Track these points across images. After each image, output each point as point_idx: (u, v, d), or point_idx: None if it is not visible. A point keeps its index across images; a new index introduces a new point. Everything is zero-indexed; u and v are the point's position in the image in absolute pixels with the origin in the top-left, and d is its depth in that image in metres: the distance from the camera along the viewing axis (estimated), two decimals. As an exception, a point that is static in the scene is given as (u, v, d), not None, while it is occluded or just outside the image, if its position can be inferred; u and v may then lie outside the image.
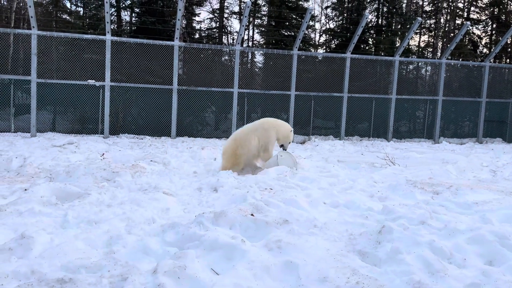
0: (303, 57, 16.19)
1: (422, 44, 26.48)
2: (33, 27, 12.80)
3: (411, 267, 3.07)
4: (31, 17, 12.71)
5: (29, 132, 13.21)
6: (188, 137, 14.68)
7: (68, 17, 21.42)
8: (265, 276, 3.18)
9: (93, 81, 13.62)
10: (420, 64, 19.94)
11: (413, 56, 23.46)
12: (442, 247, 3.54)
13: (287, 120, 15.73)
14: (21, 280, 2.85)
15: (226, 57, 17.38)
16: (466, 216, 4.79)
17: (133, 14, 19.86)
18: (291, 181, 6.64)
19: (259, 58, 20.59)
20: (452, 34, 24.21)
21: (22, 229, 3.93)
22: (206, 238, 3.62)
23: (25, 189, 5.57)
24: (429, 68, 19.83)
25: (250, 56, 20.28)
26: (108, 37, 13.45)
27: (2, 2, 23.04)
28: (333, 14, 25.89)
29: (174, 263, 3.05)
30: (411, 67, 20.25)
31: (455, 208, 5.23)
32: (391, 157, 9.82)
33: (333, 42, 23.65)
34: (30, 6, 12.55)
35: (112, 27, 16.00)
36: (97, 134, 13.97)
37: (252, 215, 4.62)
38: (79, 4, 21.94)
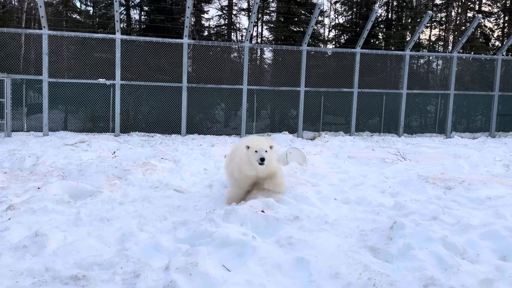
0: (313, 52, 16.11)
1: (433, 38, 26.19)
2: (44, 27, 12.93)
3: (423, 263, 3.05)
4: (42, 17, 12.83)
5: (41, 131, 13.37)
6: (198, 134, 14.73)
7: (78, 17, 21.59)
8: (276, 272, 3.18)
9: (104, 79, 13.72)
10: (431, 58, 19.72)
11: (424, 50, 23.20)
12: (455, 242, 3.51)
13: (296, 117, 15.69)
14: (36, 277, 2.89)
15: (235, 54, 17.38)
16: (479, 211, 4.74)
17: (142, 13, 19.94)
18: (301, 178, 6.62)
19: (268, 54, 20.54)
20: (463, 27, 23.89)
21: (36, 227, 3.98)
22: (217, 235, 3.63)
23: (38, 188, 5.65)
24: (440, 62, 19.60)
25: (259, 52, 20.24)
26: (118, 36, 13.53)
27: (13, 2, 23.30)
28: (342, 9, 25.71)
29: (186, 260, 3.07)
30: (422, 61, 20.04)
31: (468, 203, 5.17)
32: (402, 152, 9.74)
33: (342, 37, 23.48)
34: (40, 6, 12.67)
35: (121, 26, 16.07)
36: (108, 132, 14.09)
37: (262, 211, 4.62)
38: (88, 3, 22.10)
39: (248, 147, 4.94)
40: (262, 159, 4.73)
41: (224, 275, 3.00)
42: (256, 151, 4.84)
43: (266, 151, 4.84)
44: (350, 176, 7.13)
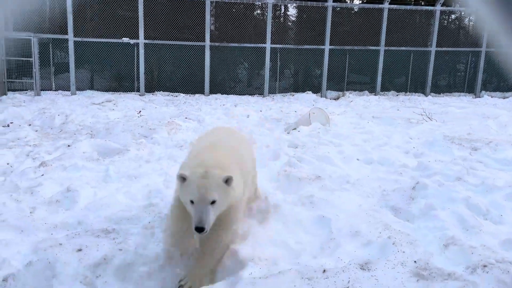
0: (338, 9, 15.56)
1: (467, -8, 24.81)
2: (67, -15, 12.88)
3: (444, 223, 3.07)
4: (64, -25, 12.76)
5: (69, 90, 13.64)
6: (221, 94, 14.73)
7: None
8: (297, 229, 3.26)
9: (127, 39, 13.73)
10: (463, 13, 18.78)
11: (456, 5, 22.07)
12: (478, 203, 3.50)
13: (320, 76, 15.42)
14: (69, 230, 3.06)
15: (258, 11, 16.96)
16: (505, 173, 4.66)
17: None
18: (324, 138, 6.61)
19: (292, 11, 19.96)
20: (500, -20, 22.42)
21: (68, 183, 4.16)
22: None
23: (68, 145, 5.85)
24: (472, 18, 18.66)
25: (282, 9, 19.70)
26: (140, -6, 13.38)
27: (36, -40, 23.12)
28: (371, -38, 24.47)
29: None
30: (453, 16, 19.10)
31: (494, 164, 5.08)
32: (428, 113, 9.53)
33: (370, -8, 22.49)
34: (62, -36, 12.58)
35: (143, -17, 15.84)
36: (133, 91, 14.24)
37: (285, 170, 4.68)
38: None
39: (183, 179, 2.47)
40: (200, 229, 2.34)
41: (247, 230, 3.09)
42: (192, 202, 2.42)
43: (213, 202, 2.41)
44: (374, 136, 7.07)
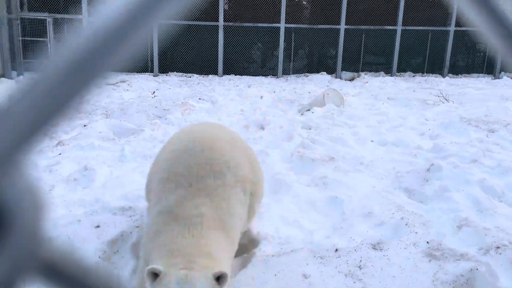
0: (354, -13, 15.24)
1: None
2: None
3: (459, 205, 3.06)
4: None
5: (83, 71, 13.77)
6: (235, 75, 14.68)
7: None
8: (310, 209, 3.29)
9: (141, 19, 13.71)
10: (484, -9, 18.20)
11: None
12: (493, 185, 3.47)
13: (335, 57, 15.23)
14: (87, 207, 3.14)
15: (273, -10, 16.70)
16: (523, 155, 4.60)
17: None
18: (338, 119, 6.58)
19: (307, -10, 19.62)
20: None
21: (84, 162, 4.24)
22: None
23: (84, 125, 5.93)
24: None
25: (297, -12, 19.37)
26: (153, -27, 13.28)
27: None
28: None
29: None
30: (474, -5, 18.53)
31: (511, 147, 5.01)
32: (445, 94, 9.37)
33: (387, -31, 21.92)
34: None
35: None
36: (147, 72, 14.29)
37: (298, 152, 4.69)
38: None
39: (154, 275, 1.70)
40: None
41: (259, 209, 3.13)
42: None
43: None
44: (389, 118, 7.01)
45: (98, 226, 2.70)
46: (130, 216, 2.88)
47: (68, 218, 2.81)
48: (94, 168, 3.93)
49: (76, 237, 2.57)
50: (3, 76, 10.22)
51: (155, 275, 1.66)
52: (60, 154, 4.55)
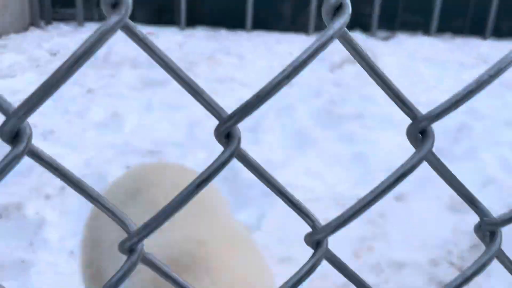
0: None
1: None
2: None
3: (486, 164, 3.01)
4: None
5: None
6: (264, 30, 14.40)
7: None
8: (334, 163, 3.30)
9: (171, -30, 13.47)
10: None
11: None
12: (525, 148, 3.37)
13: (370, 14, 14.63)
14: (117, 149, 3.25)
15: None
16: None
17: None
18: (370, 78, 6.43)
19: None
20: None
21: (113, 109, 4.35)
22: (280, 125, 3.77)
23: (113, 75, 6.03)
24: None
25: None
26: None
27: None
28: None
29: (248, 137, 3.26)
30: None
31: (549, 112, 4.81)
32: (486, 57, 8.96)
33: None
34: None
35: None
36: (174, 25, 14.20)
37: (326, 108, 4.65)
38: None
39: None
40: None
41: (285, 160, 3.16)
42: None
43: None
44: (424, 79, 6.83)
45: (128, 167, 2.80)
46: (159, 158, 2.97)
47: (99, 159, 2.92)
48: (123, 115, 4.03)
49: (108, 175, 2.67)
50: (32, 24, 10.36)
51: None
52: (90, 101, 4.67)
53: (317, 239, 0.49)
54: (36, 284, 2.04)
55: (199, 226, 1.23)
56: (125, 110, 4.31)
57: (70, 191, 2.52)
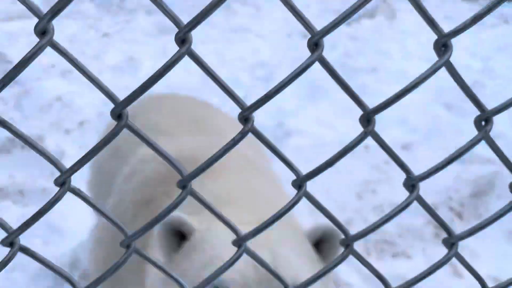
0: None
1: None
2: None
3: (495, 119, 3.02)
4: None
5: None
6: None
7: None
8: (345, 114, 3.34)
9: None
10: None
11: None
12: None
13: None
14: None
15: None
16: None
17: None
18: (387, 32, 6.32)
19: None
20: None
21: (129, 53, 4.40)
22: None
23: (127, 21, 6.01)
24: None
25: None
26: None
27: None
28: None
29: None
30: None
31: None
32: (507, 17, 8.67)
33: None
34: None
35: None
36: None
37: (340, 60, 4.64)
38: None
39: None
40: None
41: (296, 109, 3.22)
42: None
43: None
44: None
45: (143, 107, 2.89)
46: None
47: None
48: (139, 60, 4.08)
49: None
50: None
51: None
52: (106, 45, 4.70)
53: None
54: (56, 210, 2.20)
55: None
56: (141, 55, 4.35)
57: (89, 126, 2.64)
